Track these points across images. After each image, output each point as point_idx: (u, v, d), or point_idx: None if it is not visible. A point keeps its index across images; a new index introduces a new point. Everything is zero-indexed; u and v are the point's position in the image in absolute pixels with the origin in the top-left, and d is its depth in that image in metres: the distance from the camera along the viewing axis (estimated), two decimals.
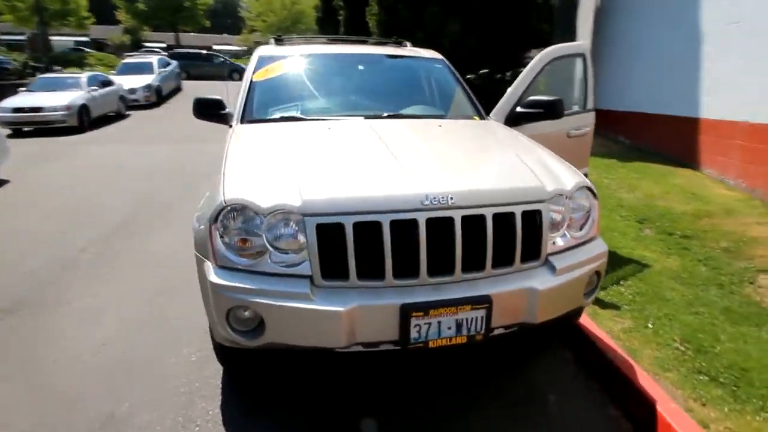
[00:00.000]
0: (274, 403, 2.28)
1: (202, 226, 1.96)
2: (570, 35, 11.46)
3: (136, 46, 34.86)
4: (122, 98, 13.39)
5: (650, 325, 2.72)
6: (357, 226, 1.77)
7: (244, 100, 3.01)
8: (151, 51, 30.73)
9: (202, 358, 2.62)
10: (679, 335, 2.60)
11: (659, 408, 2.01)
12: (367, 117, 2.82)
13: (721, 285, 3.19)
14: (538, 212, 1.97)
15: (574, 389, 2.39)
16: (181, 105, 15.89)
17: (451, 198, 1.84)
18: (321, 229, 1.77)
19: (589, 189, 2.17)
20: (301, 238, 1.79)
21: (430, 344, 1.82)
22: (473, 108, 3.29)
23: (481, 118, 3.23)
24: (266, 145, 2.43)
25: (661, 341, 2.57)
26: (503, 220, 1.90)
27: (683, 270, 3.39)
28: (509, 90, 3.42)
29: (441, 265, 1.85)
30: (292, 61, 3.31)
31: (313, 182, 1.91)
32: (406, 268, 1.82)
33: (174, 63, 18.28)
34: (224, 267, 1.83)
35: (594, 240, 2.19)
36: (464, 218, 1.85)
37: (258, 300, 1.74)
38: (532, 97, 3.26)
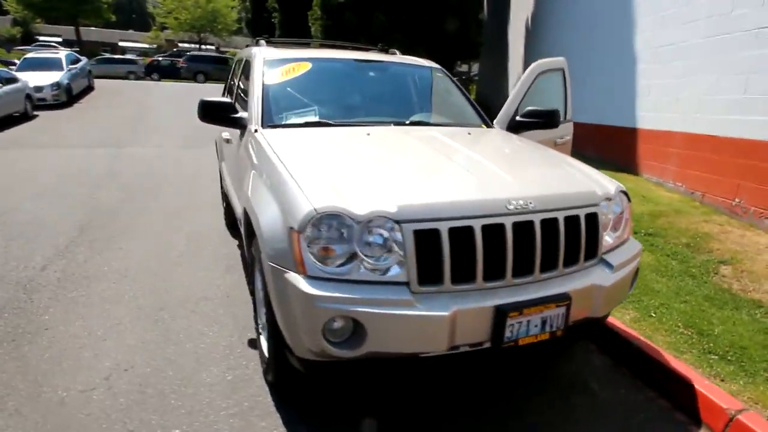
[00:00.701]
0: (333, 418, 2.22)
1: (280, 235, 1.87)
2: (501, 51, 12.20)
3: (28, 39, 31.28)
4: (29, 97, 11.99)
5: (653, 314, 3.02)
6: (451, 231, 1.81)
7: (261, 104, 2.89)
8: (47, 45, 27.84)
9: (239, 377, 2.47)
10: (680, 322, 2.92)
11: (696, 385, 2.26)
12: (395, 124, 2.85)
13: (693, 276, 3.62)
14: (595, 214, 2.13)
15: (606, 376, 2.60)
16: (96, 105, 14.60)
17: (531, 203, 1.94)
18: (418, 235, 1.78)
19: (625, 193, 2.38)
20: (396, 245, 1.79)
21: (520, 342, 1.90)
22: (479, 116, 3.43)
23: (487, 126, 3.38)
24: (315, 150, 2.38)
25: (668, 328, 2.87)
26: (570, 223, 2.04)
27: (659, 264, 3.79)
28: (508, 101, 3.63)
29: (521, 267, 1.94)
30: (302, 65, 3.24)
31: (398, 189, 1.91)
32: (493, 271, 1.88)
33: (84, 59, 16.70)
34: (315, 277, 1.77)
35: (629, 239, 2.41)
36: (542, 221, 1.95)
37: (361, 309, 1.71)
38: (529, 108, 3.48)
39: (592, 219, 2.11)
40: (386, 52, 4.11)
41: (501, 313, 1.82)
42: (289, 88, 3.07)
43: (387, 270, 1.79)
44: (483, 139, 2.86)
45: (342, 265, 1.78)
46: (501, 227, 1.87)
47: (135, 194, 6.05)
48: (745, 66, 4.56)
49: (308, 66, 3.20)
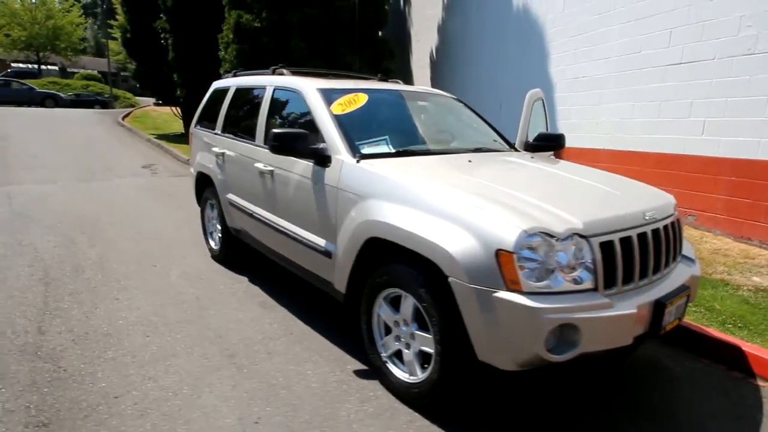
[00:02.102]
0: (500, 427, 2.34)
1: (482, 258, 1.99)
2: (405, 79, 13.05)
3: None
4: None
5: None
6: (620, 241, 2.13)
7: (342, 135, 2.91)
8: None
9: (380, 407, 2.45)
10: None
11: (743, 348, 2.87)
12: (474, 150, 3.11)
13: None
14: (678, 219, 2.63)
15: (669, 355, 3.11)
16: None
17: (654, 214, 2.36)
18: (602, 246, 2.07)
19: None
20: (585, 256, 2.04)
21: (667, 328, 2.27)
22: (505, 141, 3.83)
23: (515, 149, 3.79)
24: (446, 177, 2.51)
25: None
26: (672, 227, 2.50)
27: None
28: (521, 127, 4.11)
29: (655, 266, 2.33)
30: (360, 96, 3.30)
31: (568, 208, 2.17)
32: (641, 271, 2.24)
33: None
34: (530, 293, 1.94)
35: None
36: (663, 227, 2.38)
37: (579, 315, 1.92)
38: (540, 132, 3.99)
39: (678, 223, 2.61)
40: (386, 80, 4.32)
41: (660, 306, 2.17)
42: (358, 119, 3.12)
43: (581, 279, 2.03)
44: (551, 162, 3.24)
45: (545, 278, 1.98)
46: (645, 235, 2.25)
47: (74, 238, 5.27)
48: (657, 95, 5.72)
49: (366, 97, 3.28)
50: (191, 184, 5.14)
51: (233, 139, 4.06)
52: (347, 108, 3.12)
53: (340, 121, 3.00)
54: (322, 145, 2.92)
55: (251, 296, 3.86)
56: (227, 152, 4.11)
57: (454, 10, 10.82)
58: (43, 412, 2.38)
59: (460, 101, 4.06)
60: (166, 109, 20.58)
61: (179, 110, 15.74)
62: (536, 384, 2.66)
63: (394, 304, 2.50)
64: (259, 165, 3.53)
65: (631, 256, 2.17)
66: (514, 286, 1.94)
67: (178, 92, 13.54)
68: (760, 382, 2.79)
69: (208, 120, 4.76)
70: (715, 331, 3.10)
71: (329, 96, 3.19)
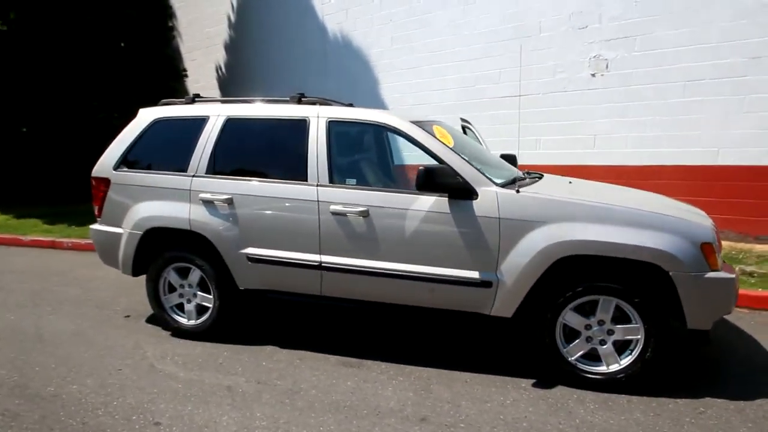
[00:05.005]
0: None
1: (692, 252, 2.65)
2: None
3: None
4: None
5: None
6: None
7: (476, 168, 3.02)
8: None
9: (598, 400, 2.76)
10: None
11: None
12: (527, 174, 3.70)
13: None
14: None
15: None
16: None
17: None
18: None
19: None
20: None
21: None
22: None
23: None
24: (594, 195, 3.05)
25: None
26: None
27: None
28: (480, 149, 4.82)
29: None
30: (441, 126, 3.39)
31: (685, 211, 3.06)
32: None
33: None
34: (721, 269, 2.73)
35: None
36: None
37: (734, 276, 2.83)
38: (501, 153, 4.80)
39: None
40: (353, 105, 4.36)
41: None
42: (459, 149, 3.21)
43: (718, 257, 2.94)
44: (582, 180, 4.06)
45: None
46: None
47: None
48: (498, 119, 7.33)
49: (443, 126, 3.40)
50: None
51: (249, 180, 3.35)
52: (446, 140, 3.20)
53: (458, 152, 3.09)
54: (459, 179, 2.95)
55: (318, 361, 3.30)
56: (241, 197, 3.34)
57: (248, 29, 10.49)
58: None
59: None
60: None
61: None
62: None
63: (580, 310, 2.87)
64: (337, 207, 3.13)
65: None
66: (714, 267, 2.70)
67: None
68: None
69: (152, 161, 3.67)
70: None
71: (428, 129, 3.20)
